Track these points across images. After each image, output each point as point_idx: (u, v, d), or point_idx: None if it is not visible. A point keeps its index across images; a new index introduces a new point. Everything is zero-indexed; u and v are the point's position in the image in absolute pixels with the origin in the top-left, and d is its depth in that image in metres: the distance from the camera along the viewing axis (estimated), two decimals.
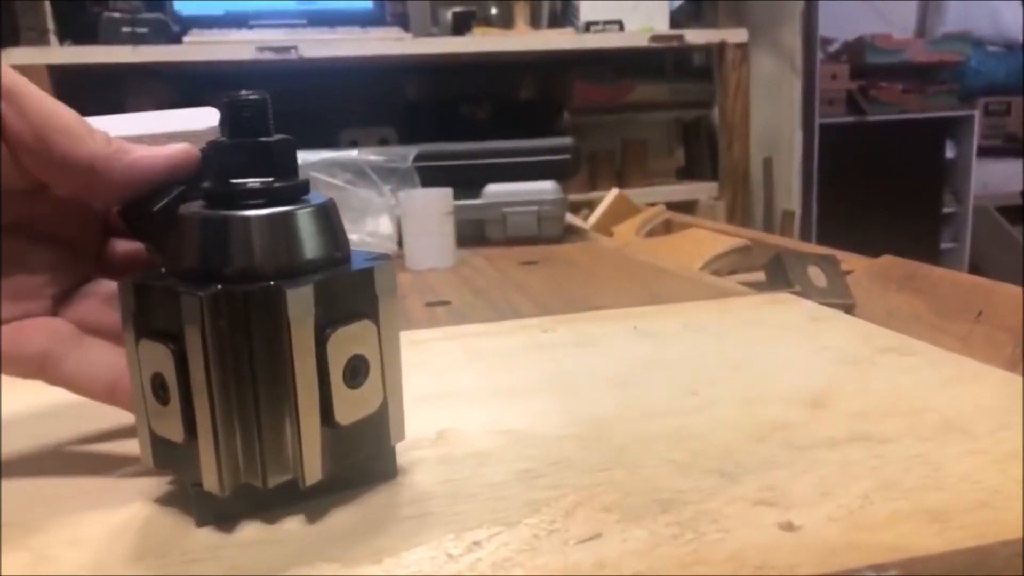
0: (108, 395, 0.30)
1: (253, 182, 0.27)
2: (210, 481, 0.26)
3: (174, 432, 0.26)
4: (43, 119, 0.28)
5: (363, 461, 0.30)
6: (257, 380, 0.26)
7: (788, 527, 0.26)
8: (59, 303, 0.31)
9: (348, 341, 0.27)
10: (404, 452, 0.33)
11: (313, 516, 0.28)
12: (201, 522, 0.27)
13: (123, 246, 0.34)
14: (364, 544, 0.26)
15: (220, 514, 0.27)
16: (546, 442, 0.34)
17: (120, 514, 0.29)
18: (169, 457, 0.27)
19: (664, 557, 0.25)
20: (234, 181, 0.27)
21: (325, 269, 0.27)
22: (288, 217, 0.27)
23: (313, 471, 0.26)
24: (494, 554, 0.25)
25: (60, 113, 0.28)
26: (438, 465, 0.32)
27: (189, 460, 0.26)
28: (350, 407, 0.27)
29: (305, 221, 0.27)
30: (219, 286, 0.26)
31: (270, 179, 0.27)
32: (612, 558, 0.25)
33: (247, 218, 0.27)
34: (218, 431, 0.26)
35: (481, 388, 0.42)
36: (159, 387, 0.27)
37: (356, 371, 0.28)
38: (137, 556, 0.26)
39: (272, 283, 0.26)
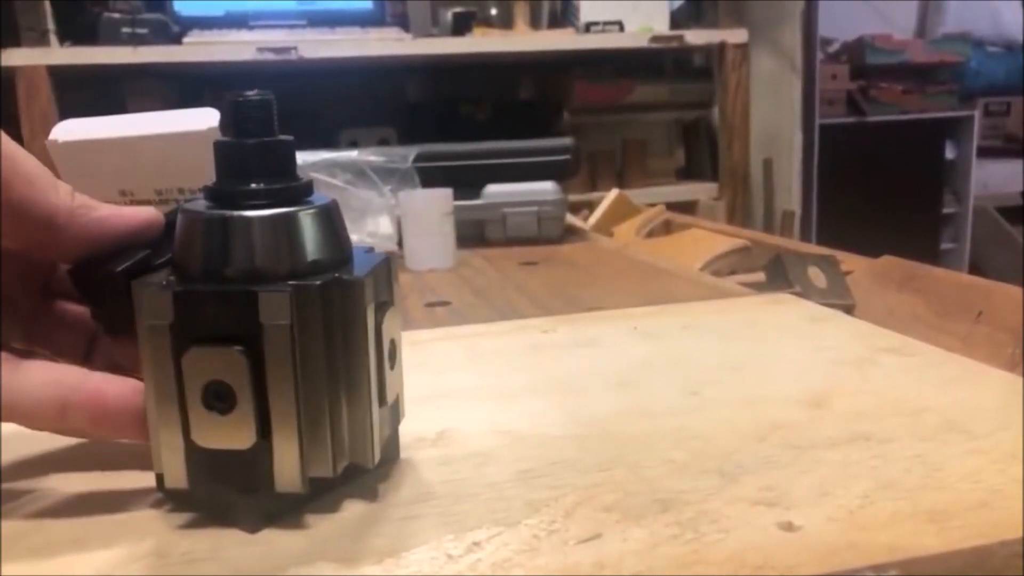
0: (59, 416, 0.27)
1: (269, 183, 0.27)
2: (288, 479, 0.26)
3: (239, 439, 0.26)
4: (4, 163, 0.26)
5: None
6: (333, 370, 0.27)
7: (788, 527, 0.26)
8: None
9: (390, 325, 0.29)
10: (404, 452, 0.33)
11: (313, 516, 0.28)
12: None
13: (67, 310, 0.32)
14: (364, 544, 0.26)
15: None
16: (546, 442, 0.34)
17: (121, 514, 0.29)
18: (218, 469, 0.27)
19: (664, 557, 0.25)
20: (250, 182, 0.27)
21: (335, 265, 0.28)
22: (291, 217, 0.27)
23: (377, 451, 0.28)
24: (494, 554, 0.25)
25: (22, 159, 0.26)
26: (438, 465, 0.32)
27: (254, 465, 0.26)
28: (391, 386, 0.29)
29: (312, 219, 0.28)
30: (293, 282, 0.26)
31: (288, 179, 0.28)
32: (612, 558, 0.25)
33: (248, 220, 0.27)
34: (302, 426, 0.26)
35: (481, 388, 0.42)
36: (214, 396, 0.26)
37: (393, 352, 0.29)
38: (137, 556, 0.26)
39: (342, 276, 0.27)
